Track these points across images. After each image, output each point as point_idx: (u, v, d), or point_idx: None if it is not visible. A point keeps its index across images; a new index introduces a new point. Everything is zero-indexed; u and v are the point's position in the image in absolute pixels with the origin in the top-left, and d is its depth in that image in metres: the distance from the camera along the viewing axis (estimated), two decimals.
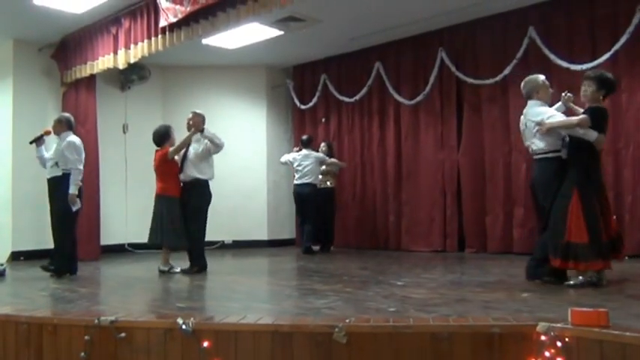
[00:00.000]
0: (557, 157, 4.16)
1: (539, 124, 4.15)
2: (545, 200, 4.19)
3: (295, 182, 7.58)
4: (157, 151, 5.71)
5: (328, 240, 7.77)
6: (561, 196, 3.99)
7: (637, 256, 5.69)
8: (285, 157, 7.86)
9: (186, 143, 5.55)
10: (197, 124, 5.51)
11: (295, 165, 7.58)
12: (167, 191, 5.54)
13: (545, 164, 4.22)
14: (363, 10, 6.55)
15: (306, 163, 7.48)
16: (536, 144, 4.25)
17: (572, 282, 3.99)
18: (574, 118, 4.07)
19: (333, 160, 7.76)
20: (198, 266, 5.53)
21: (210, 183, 5.67)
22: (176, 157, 5.62)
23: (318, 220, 7.44)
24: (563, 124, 4.07)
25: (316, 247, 7.64)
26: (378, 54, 7.87)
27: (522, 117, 4.43)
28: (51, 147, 5.62)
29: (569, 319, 2.57)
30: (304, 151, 7.59)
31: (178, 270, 5.55)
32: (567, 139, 4.10)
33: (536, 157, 4.30)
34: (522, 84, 4.45)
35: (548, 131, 4.12)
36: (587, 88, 4.08)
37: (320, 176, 7.62)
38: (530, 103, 4.34)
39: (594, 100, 4.08)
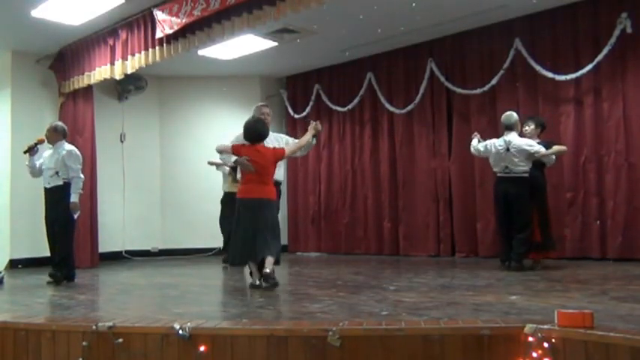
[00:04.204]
0: (530, 176, 5.44)
1: (537, 152, 5.36)
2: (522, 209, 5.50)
3: None
4: (256, 146, 4.71)
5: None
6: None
7: (620, 259, 5.79)
8: None
9: (304, 145, 4.99)
10: (317, 127, 4.99)
11: None
12: (272, 195, 4.74)
13: (525, 181, 5.43)
14: (355, 23, 6.64)
15: None
16: (522, 166, 5.39)
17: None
18: (561, 148, 5.58)
19: None
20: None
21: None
22: None
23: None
24: (551, 152, 5.46)
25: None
26: (369, 65, 7.98)
27: (500, 143, 5.45)
28: (40, 155, 5.61)
29: (556, 321, 2.62)
30: None
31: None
32: (530, 164, 5.37)
33: (518, 175, 5.39)
34: (504, 117, 5.52)
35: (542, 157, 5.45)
36: (528, 128, 5.56)
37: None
38: (513, 134, 5.44)
39: (534, 136, 5.53)
